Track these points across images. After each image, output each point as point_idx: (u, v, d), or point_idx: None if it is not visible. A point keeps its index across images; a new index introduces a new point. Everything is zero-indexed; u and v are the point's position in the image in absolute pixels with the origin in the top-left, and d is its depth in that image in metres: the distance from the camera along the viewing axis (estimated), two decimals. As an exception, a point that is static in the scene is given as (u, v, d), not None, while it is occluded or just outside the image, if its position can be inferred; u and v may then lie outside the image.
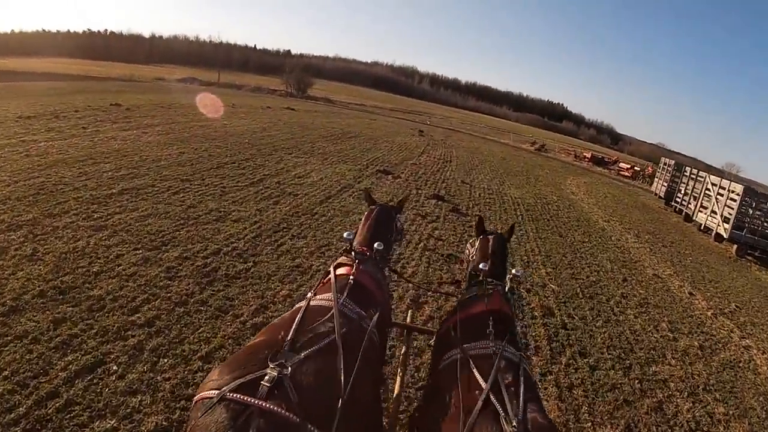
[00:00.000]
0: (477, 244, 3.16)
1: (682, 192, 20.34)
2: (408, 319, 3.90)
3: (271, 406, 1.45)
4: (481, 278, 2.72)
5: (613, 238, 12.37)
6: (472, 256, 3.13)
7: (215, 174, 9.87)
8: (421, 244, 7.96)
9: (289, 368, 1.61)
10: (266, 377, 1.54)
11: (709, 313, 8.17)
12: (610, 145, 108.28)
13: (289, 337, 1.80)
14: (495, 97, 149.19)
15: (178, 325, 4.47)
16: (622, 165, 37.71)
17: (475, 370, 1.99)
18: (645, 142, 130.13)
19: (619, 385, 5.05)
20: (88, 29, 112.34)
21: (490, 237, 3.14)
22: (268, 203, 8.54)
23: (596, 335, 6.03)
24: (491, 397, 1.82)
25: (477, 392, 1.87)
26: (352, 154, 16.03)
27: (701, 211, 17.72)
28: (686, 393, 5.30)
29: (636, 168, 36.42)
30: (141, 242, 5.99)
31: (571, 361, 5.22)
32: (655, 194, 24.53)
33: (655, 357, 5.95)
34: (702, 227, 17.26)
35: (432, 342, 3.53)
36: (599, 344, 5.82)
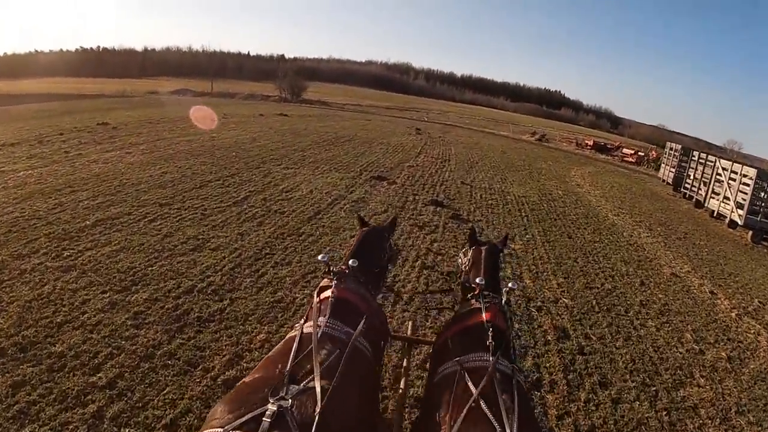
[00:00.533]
0: (470, 254, 3.18)
1: (692, 178, 19.59)
2: (408, 331, 3.86)
3: None
4: (477, 292, 2.72)
5: (625, 234, 11.72)
6: (465, 266, 3.16)
7: (197, 195, 9.30)
8: (419, 261, 7.33)
9: (290, 401, 1.66)
10: (267, 413, 1.58)
11: (733, 314, 7.55)
12: (610, 130, 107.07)
13: (287, 370, 1.84)
14: (492, 89, 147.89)
15: (142, 386, 3.93)
16: (625, 151, 36.90)
17: (470, 382, 2.02)
18: (645, 124, 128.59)
19: (645, 420, 4.44)
20: (81, 47, 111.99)
21: (483, 248, 3.14)
22: (252, 225, 7.97)
23: (617, 358, 5.41)
24: (486, 410, 1.84)
25: (474, 405, 1.89)
26: (345, 161, 15.42)
27: (713, 198, 17.01)
28: (718, 420, 4.70)
29: (640, 153, 35.63)
30: (110, 283, 5.45)
31: (591, 396, 4.61)
32: (663, 180, 23.78)
33: (683, 377, 5.34)
34: (715, 214, 16.55)
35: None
36: (621, 369, 5.20)
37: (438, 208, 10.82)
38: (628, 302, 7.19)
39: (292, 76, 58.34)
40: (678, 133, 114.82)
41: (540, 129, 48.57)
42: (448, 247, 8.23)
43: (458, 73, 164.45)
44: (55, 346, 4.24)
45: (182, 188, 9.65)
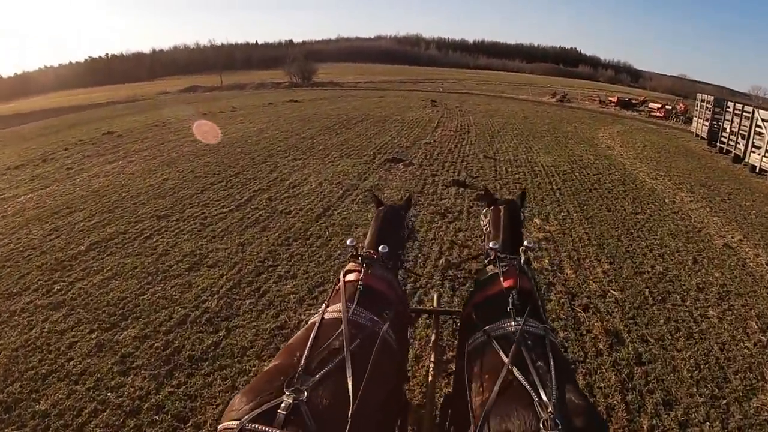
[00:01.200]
0: (489, 214, 3.09)
1: (728, 131, 17.96)
2: (434, 303, 3.79)
3: None
4: (493, 257, 2.66)
5: (666, 200, 10.62)
6: (486, 228, 3.08)
7: (198, 201, 8.74)
8: (442, 259, 6.54)
9: (305, 393, 1.62)
10: (282, 405, 1.56)
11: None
12: (631, 84, 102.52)
13: (303, 359, 1.80)
14: (506, 52, 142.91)
15: (127, 450, 3.38)
16: (652, 105, 34.52)
17: (500, 352, 1.96)
18: (666, 75, 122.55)
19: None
20: (89, 57, 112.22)
21: (501, 207, 3.04)
22: (254, 231, 7.33)
23: (680, 365, 4.55)
24: (521, 379, 1.77)
25: (508, 375, 1.82)
26: (357, 144, 14.62)
27: (754, 152, 15.44)
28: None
29: (667, 106, 33.32)
30: (98, 320, 4.93)
31: (654, 421, 3.80)
32: (696, 135, 21.99)
33: (753, 382, 4.43)
34: (757, 170, 15.03)
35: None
36: (686, 380, 4.35)
37: (460, 190, 9.97)
38: (684, 287, 6.25)
39: (301, 60, 57.21)
40: (700, 83, 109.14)
41: (560, 89, 46.29)
42: (475, 237, 7.39)
43: (470, 39, 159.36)
44: (39, 403, 3.82)
45: (182, 195, 9.11)
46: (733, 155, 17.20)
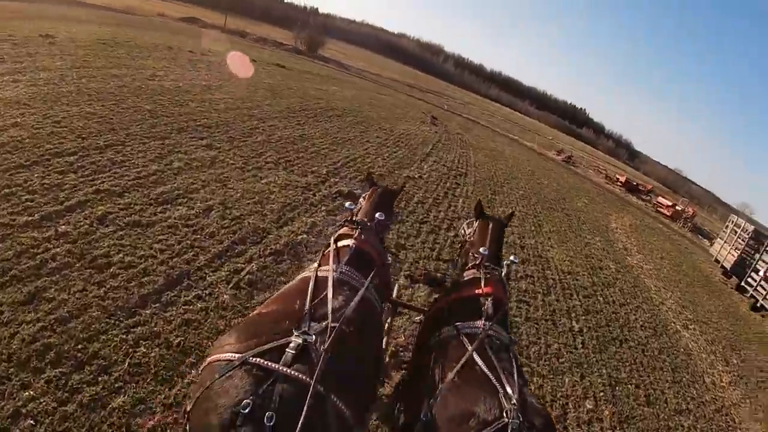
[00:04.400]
0: (476, 226, 3.17)
1: (760, 275, 14.81)
2: (394, 294, 3.79)
3: (297, 374, 1.47)
4: (479, 262, 2.71)
5: (706, 379, 7.34)
6: (470, 238, 3.13)
7: (17, 179, 4.51)
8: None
9: (314, 337, 1.64)
10: (291, 344, 1.56)
11: None
12: (626, 161, 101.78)
13: (306, 306, 1.82)
14: (518, 91, 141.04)
15: None
16: (661, 200, 31.71)
17: (469, 347, 2.04)
18: (661, 164, 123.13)
19: None
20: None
21: (489, 221, 3.11)
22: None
23: None
24: (486, 371, 1.88)
25: (475, 368, 1.92)
26: (312, 148, 10.42)
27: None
28: None
29: (677, 207, 30.65)
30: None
31: None
32: (716, 261, 18.84)
33: None
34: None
35: (419, 320, 3.51)
36: None
37: (432, 294, 5.92)
38: None
39: (313, 28, 52.54)
40: (693, 182, 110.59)
41: (567, 149, 43.43)
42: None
43: (488, 67, 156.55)
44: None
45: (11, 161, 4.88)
46: (754, 301, 14.19)
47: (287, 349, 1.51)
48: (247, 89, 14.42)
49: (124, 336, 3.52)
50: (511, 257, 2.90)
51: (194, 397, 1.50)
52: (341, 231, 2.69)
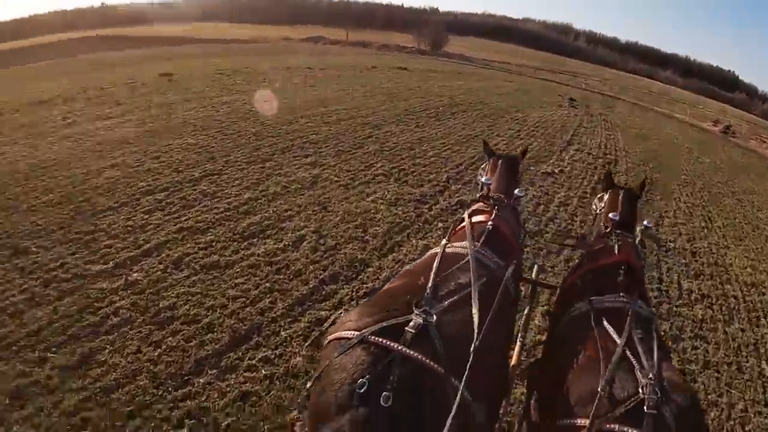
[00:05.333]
0: (606, 197, 2.94)
1: None
2: (533, 275, 3.45)
3: (416, 354, 1.36)
4: (609, 230, 2.54)
5: None
6: (601, 210, 2.94)
7: (90, 227, 4.48)
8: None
9: (434, 316, 1.52)
10: (411, 323, 1.46)
11: None
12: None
13: (429, 284, 1.69)
14: (658, 60, 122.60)
15: None
16: None
17: (605, 323, 1.85)
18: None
19: None
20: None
21: (620, 191, 2.88)
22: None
23: None
24: (625, 349, 1.69)
25: (609, 343, 1.73)
26: (431, 154, 9.22)
27: None
28: None
29: None
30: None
31: None
32: None
33: None
34: None
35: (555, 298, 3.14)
36: None
37: None
38: None
39: (434, 27, 51.88)
40: None
41: (723, 119, 35.70)
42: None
43: (623, 38, 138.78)
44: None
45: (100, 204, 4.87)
46: None
47: (407, 328, 1.40)
48: (363, 98, 13.90)
49: (169, 412, 2.92)
50: (645, 222, 2.63)
51: (315, 375, 1.44)
52: (475, 207, 2.55)
